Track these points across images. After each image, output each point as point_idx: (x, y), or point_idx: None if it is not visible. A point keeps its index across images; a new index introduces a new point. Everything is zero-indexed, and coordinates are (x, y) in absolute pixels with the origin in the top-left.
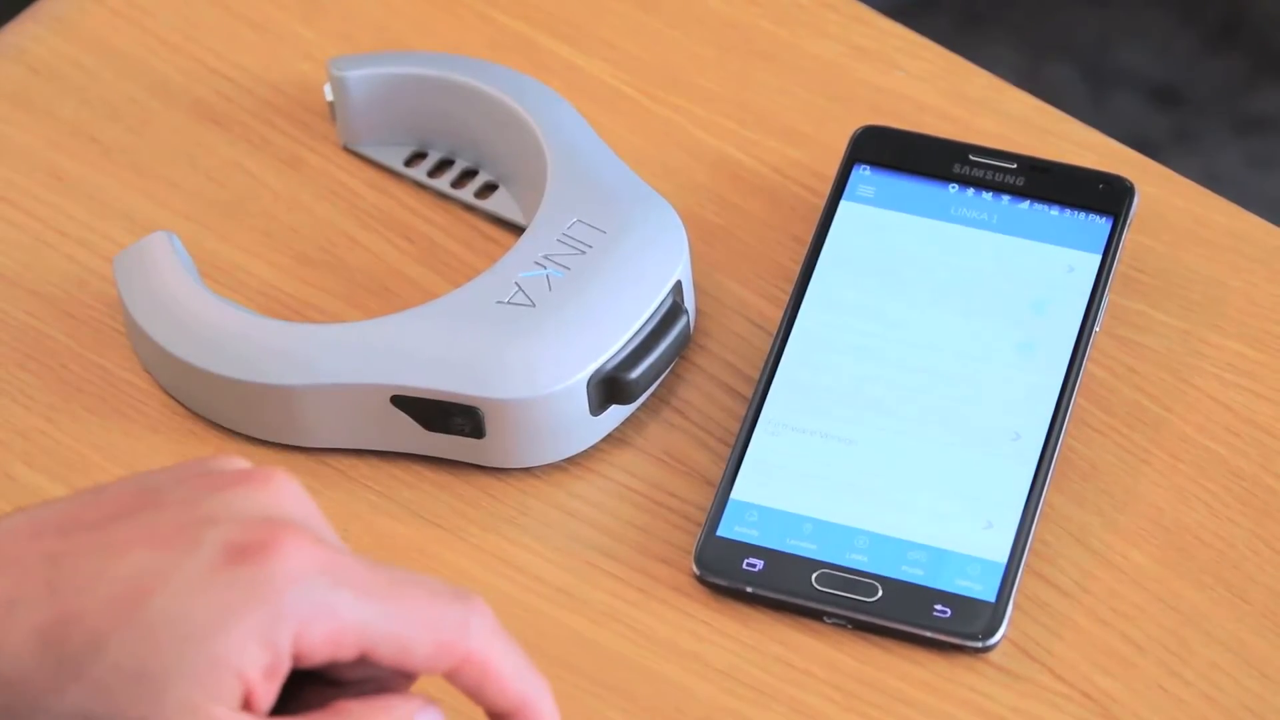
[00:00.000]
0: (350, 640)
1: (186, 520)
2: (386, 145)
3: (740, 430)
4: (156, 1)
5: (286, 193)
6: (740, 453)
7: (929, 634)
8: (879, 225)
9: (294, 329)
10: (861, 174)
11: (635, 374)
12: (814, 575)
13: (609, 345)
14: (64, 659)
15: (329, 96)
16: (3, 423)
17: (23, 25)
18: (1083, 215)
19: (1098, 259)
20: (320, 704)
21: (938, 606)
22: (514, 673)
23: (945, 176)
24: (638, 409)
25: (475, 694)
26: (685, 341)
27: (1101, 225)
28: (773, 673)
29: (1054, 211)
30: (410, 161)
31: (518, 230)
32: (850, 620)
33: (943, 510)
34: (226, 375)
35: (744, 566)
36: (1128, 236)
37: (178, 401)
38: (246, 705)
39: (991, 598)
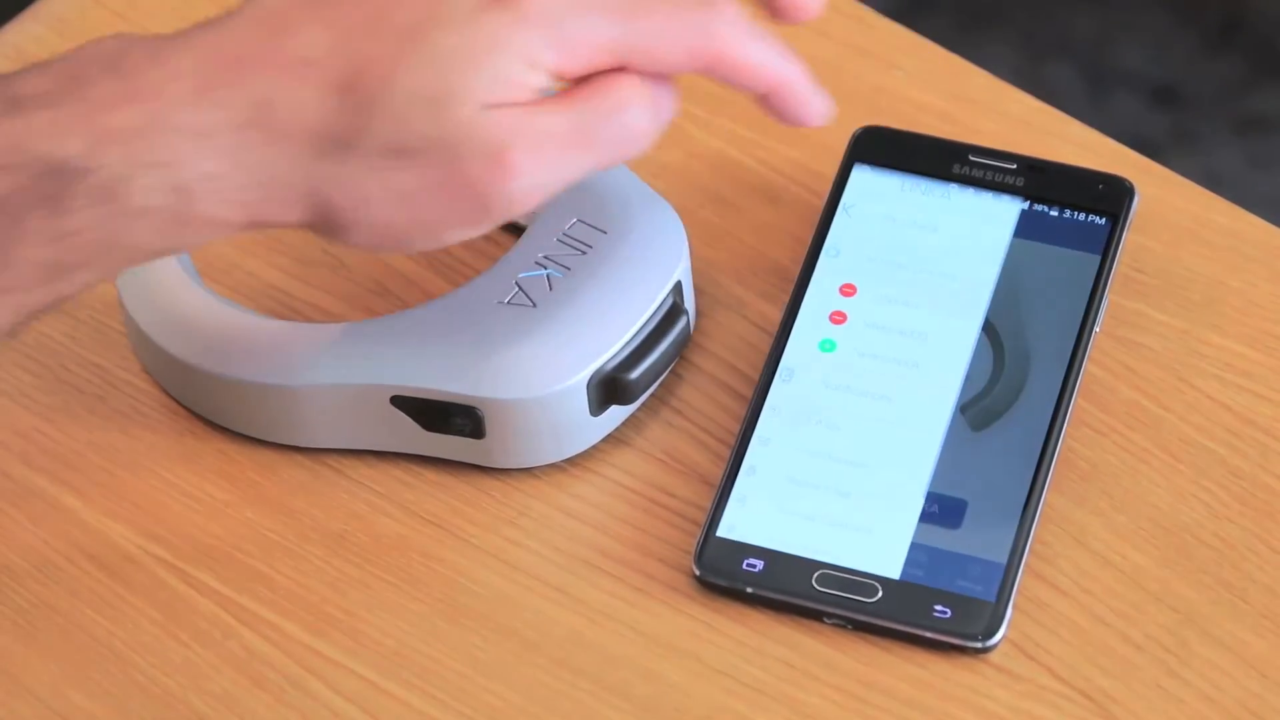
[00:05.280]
0: (604, 57)
1: None
2: None
3: (740, 430)
4: (156, 2)
5: None
6: (740, 452)
7: (929, 634)
8: (879, 225)
9: (294, 329)
10: (861, 174)
11: (635, 374)
12: (814, 575)
13: (609, 345)
14: (361, 101)
15: None
16: (3, 423)
17: (23, 25)
18: (1082, 215)
19: (1097, 259)
20: None
21: (938, 606)
22: (761, 64)
23: (945, 176)
24: (637, 409)
25: (732, 84)
26: (685, 342)
27: (1101, 225)
28: (773, 673)
29: (1054, 212)
30: None
31: (517, 230)
32: (850, 620)
33: (942, 509)
34: (226, 375)
35: (744, 566)
36: (1127, 237)
37: (178, 402)
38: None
39: (991, 598)
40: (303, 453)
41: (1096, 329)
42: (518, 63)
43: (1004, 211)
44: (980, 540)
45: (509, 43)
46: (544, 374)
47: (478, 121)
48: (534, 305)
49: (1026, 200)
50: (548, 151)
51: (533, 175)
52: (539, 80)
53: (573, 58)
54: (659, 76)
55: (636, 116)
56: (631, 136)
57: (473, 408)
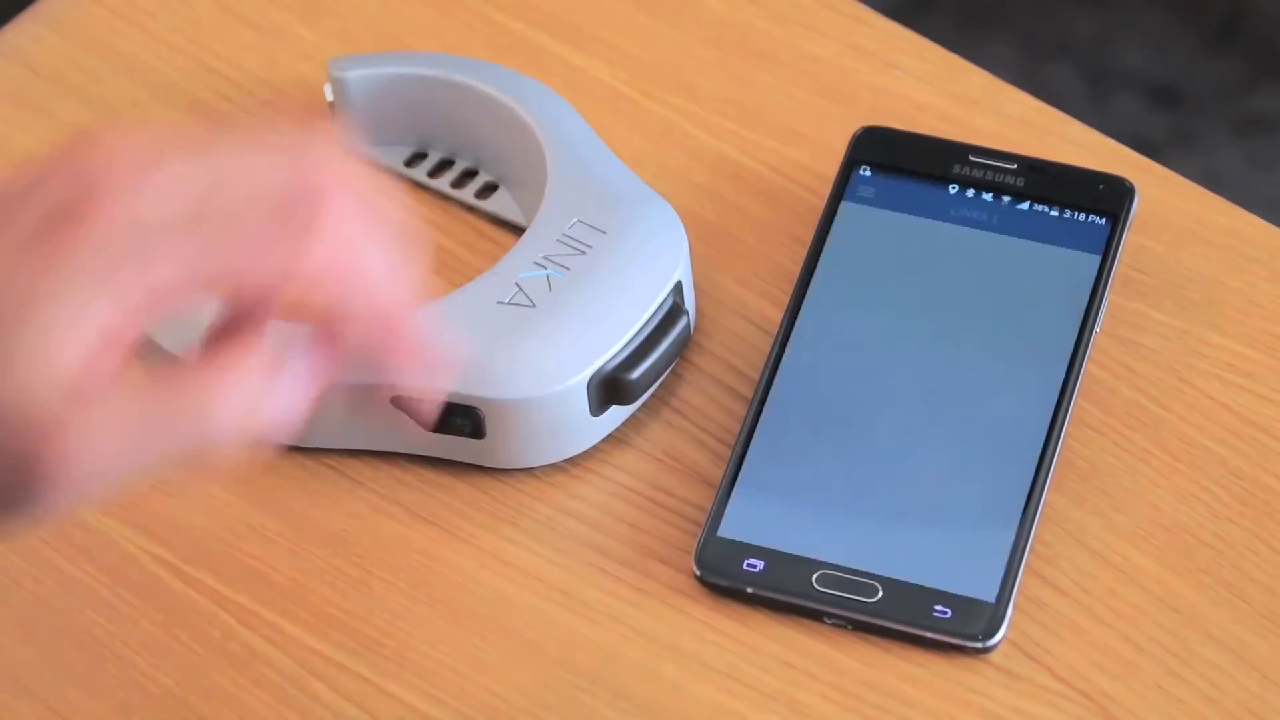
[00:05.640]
0: (186, 285)
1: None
2: (386, 145)
3: (740, 430)
4: (156, 2)
5: None
6: (741, 453)
7: (929, 634)
8: (879, 226)
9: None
10: (861, 175)
11: (635, 374)
12: (814, 575)
13: (609, 346)
14: None
15: (329, 97)
16: None
17: (23, 25)
18: (1082, 216)
19: (1098, 259)
20: None
21: (938, 606)
22: (370, 293)
23: (945, 177)
24: (638, 409)
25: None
26: (685, 342)
27: (1101, 226)
28: (773, 673)
29: (1054, 212)
30: (410, 162)
31: (518, 231)
32: (850, 620)
33: (943, 510)
34: None
35: (744, 567)
36: (1127, 237)
37: None
38: (94, 371)
39: (991, 598)
40: (303, 453)
41: (1096, 329)
42: (69, 319)
43: (1004, 211)
44: (980, 540)
45: (56, 293)
46: (544, 374)
47: (17, 400)
48: (534, 305)
49: (1027, 200)
50: (106, 444)
51: (83, 470)
52: (99, 324)
53: (140, 295)
54: (289, 364)
55: (218, 418)
56: (212, 439)
57: (473, 408)
